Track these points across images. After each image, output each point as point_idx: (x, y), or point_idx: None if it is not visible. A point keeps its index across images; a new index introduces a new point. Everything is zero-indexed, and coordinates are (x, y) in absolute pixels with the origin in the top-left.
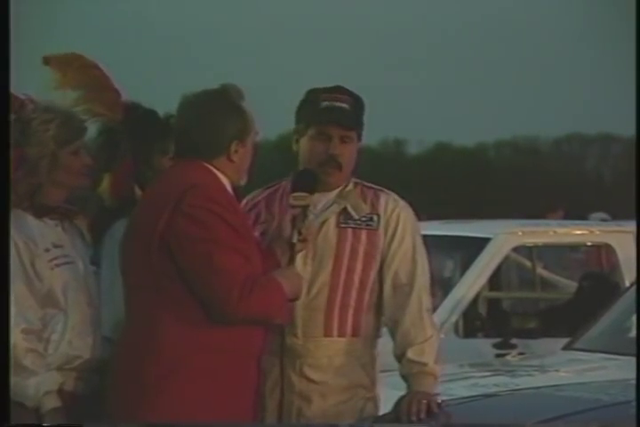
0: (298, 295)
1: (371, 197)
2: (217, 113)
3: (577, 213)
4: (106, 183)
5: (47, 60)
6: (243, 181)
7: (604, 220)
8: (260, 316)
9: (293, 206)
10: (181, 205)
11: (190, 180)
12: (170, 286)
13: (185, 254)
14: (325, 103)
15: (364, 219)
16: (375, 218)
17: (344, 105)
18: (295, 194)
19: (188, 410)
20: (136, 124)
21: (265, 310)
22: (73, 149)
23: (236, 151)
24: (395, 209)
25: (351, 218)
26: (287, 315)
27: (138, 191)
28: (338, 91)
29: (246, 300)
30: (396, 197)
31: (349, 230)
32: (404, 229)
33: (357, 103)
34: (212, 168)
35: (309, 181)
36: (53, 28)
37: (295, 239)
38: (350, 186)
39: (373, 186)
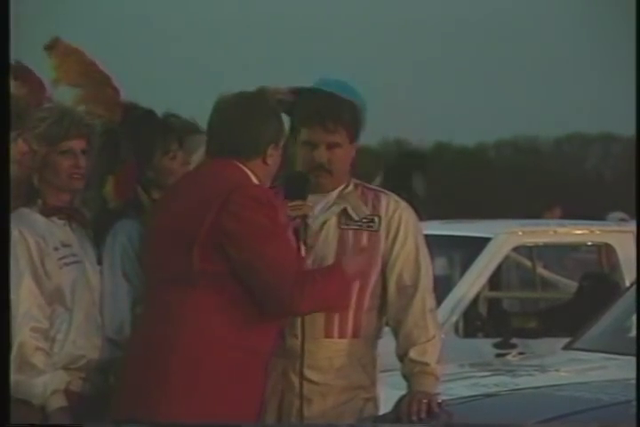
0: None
1: (371, 199)
2: (258, 115)
3: (577, 212)
4: (109, 185)
5: (52, 45)
6: (268, 185)
7: (622, 219)
8: (323, 305)
9: (292, 218)
10: (229, 205)
11: (232, 179)
12: (202, 285)
13: (236, 253)
14: (308, 103)
15: (364, 220)
16: (376, 220)
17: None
18: (292, 204)
19: (199, 408)
20: (135, 124)
21: (327, 299)
22: (63, 149)
23: (271, 155)
24: (396, 210)
25: (352, 219)
26: (349, 297)
27: (141, 192)
28: (321, 92)
29: (308, 293)
30: (397, 198)
31: (350, 232)
32: (406, 230)
33: (348, 104)
34: (245, 169)
35: (302, 186)
36: (52, 26)
37: (303, 252)
38: (350, 187)
39: (374, 187)
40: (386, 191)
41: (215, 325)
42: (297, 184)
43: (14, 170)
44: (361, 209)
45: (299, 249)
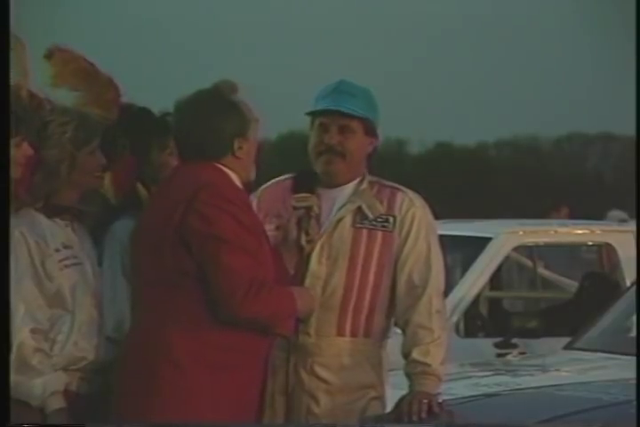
0: (306, 314)
1: (387, 197)
2: (214, 113)
3: (578, 212)
4: (108, 182)
5: (50, 53)
6: (252, 176)
7: (622, 220)
8: (262, 320)
9: (296, 208)
10: (195, 203)
11: (203, 179)
12: (182, 284)
13: (196, 252)
14: (327, 96)
15: (379, 220)
16: (391, 220)
17: (344, 97)
18: (297, 195)
19: (196, 409)
20: (132, 121)
21: (269, 315)
22: (89, 150)
23: (240, 148)
24: (410, 209)
25: (366, 218)
26: (291, 328)
27: (141, 188)
28: (342, 84)
29: (250, 301)
30: (413, 195)
31: (364, 231)
32: (418, 230)
33: (363, 96)
34: (221, 167)
35: (310, 181)
36: (51, 26)
37: (304, 241)
38: (365, 184)
39: (391, 184)
40: (402, 188)
41: (202, 326)
42: (306, 179)
43: (18, 171)
44: (376, 207)
45: (272, 252)
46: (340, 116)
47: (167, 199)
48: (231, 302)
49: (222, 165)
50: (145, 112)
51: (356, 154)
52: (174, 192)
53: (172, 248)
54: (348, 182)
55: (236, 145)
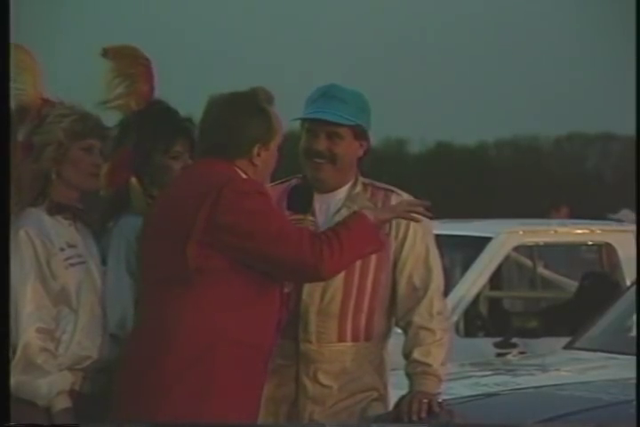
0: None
1: (382, 200)
2: (241, 115)
3: (578, 211)
4: (103, 171)
5: (105, 52)
6: (265, 185)
7: (633, 220)
8: (352, 259)
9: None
10: (221, 200)
11: (220, 177)
12: (195, 281)
13: (249, 241)
14: (316, 100)
15: None
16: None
17: (333, 102)
18: (293, 218)
19: (200, 406)
20: (148, 117)
21: (354, 252)
22: (85, 146)
23: (258, 155)
24: None
25: None
26: (378, 242)
27: (134, 183)
28: (332, 88)
29: (327, 259)
30: (407, 197)
31: None
32: (414, 232)
33: (353, 101)
34: (235, 168)
35: (304, 199)
36: (53, 26)
37: None
38: (359, 187)
39: (384, 186)
40: (395, 189)
41: (215, 321)
42: (300, 197)
43: (14, 173)
44: None
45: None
46: (328, 122)
47: (182, 198)
48: (310, 268)
49: (237, 166)
50: (166, 112)
51: (345, 159)
52: (190, 190)
53: (198, 246)
54: (341, 187)
55: (255, 150)
